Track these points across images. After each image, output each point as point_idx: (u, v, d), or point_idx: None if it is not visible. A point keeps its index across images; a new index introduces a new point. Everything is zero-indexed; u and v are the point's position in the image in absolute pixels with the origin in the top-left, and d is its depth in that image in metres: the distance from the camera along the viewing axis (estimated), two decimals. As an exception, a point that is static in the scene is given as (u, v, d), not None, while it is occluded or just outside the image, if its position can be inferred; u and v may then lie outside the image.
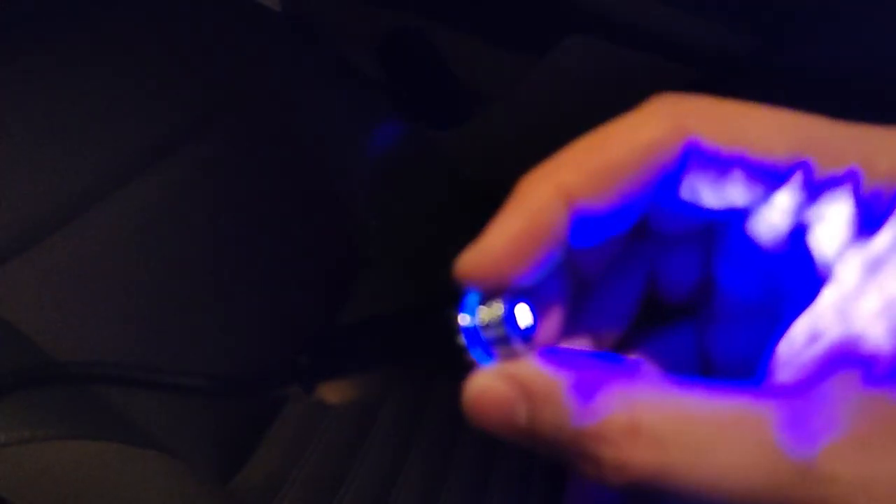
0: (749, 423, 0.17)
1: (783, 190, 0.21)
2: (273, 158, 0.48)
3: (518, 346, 0.22)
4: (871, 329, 0.18)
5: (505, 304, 0.22)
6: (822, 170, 0.20)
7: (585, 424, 0.19)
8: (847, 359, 0.18)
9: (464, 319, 0.22)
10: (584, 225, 0.22)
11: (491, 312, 0.22)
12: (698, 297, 0.26)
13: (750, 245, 0.23)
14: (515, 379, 0.21)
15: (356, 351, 0.25)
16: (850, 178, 0.20)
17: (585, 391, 0.19)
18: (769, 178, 0.21)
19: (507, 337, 0.22)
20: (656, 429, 0.18)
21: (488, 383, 0.21)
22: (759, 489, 0.17)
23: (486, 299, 0.23)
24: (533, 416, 0.20)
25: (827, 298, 0.20)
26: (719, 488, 0.17)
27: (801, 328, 0.20)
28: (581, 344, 0.26)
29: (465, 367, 0.22)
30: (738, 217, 0.23)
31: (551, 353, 0.22)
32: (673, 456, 0.18)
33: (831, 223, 0.21)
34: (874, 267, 0.19)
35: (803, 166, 0.21)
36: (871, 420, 0.17)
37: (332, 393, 0.26)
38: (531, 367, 0.21)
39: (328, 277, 0.46)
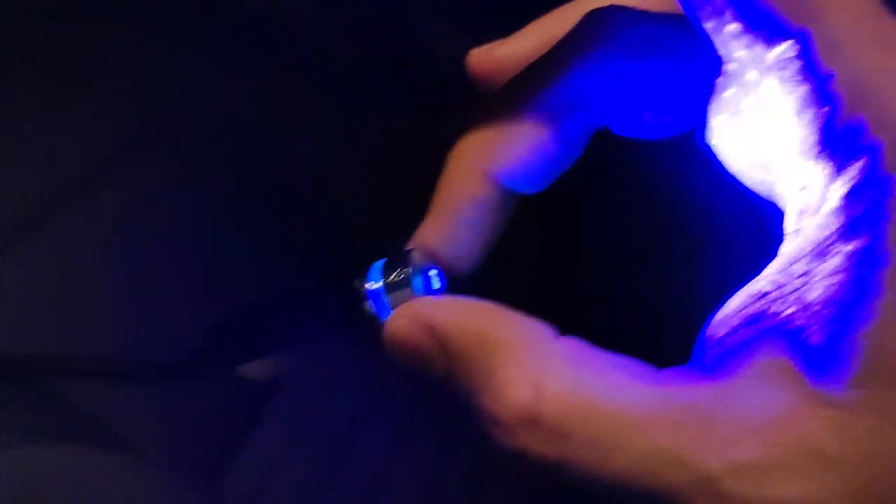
0: (656, 426, 0.16)
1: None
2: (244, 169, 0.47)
3: None
4: (814, 327, 0.15)
5: (413, 268, 0.22)
6: None
7: (485, 402, 0.17)
8: (781, 354, 0.16)
9: (370, 284, 0.22)
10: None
11: (398, 275, 0.22)
12: None
13: None
14: (432, 329, 0.19)
15: (272, 326, 0.25)
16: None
17: (493, 364, 0.18)
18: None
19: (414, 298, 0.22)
20: (557, 422, 0.16)
21: (403, 327, 0.20)
22: (658, 496, 0.15)
23: (393, 265, 0.22)
24: (448, 374, 0.19)
25: (766, 277, 0.17)
26: (620, 489, 0.16)
27: (736, 305, 0.17)
28: None
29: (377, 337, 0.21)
30: None
31: (466, 303, 0.20)
32: (573, 452, 0.16)
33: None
34: (824, 245, 0.16)
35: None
36: (787, 434, 0.15)
37: (256, 370, 0.26)
38: (449, 316, 0.19)
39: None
